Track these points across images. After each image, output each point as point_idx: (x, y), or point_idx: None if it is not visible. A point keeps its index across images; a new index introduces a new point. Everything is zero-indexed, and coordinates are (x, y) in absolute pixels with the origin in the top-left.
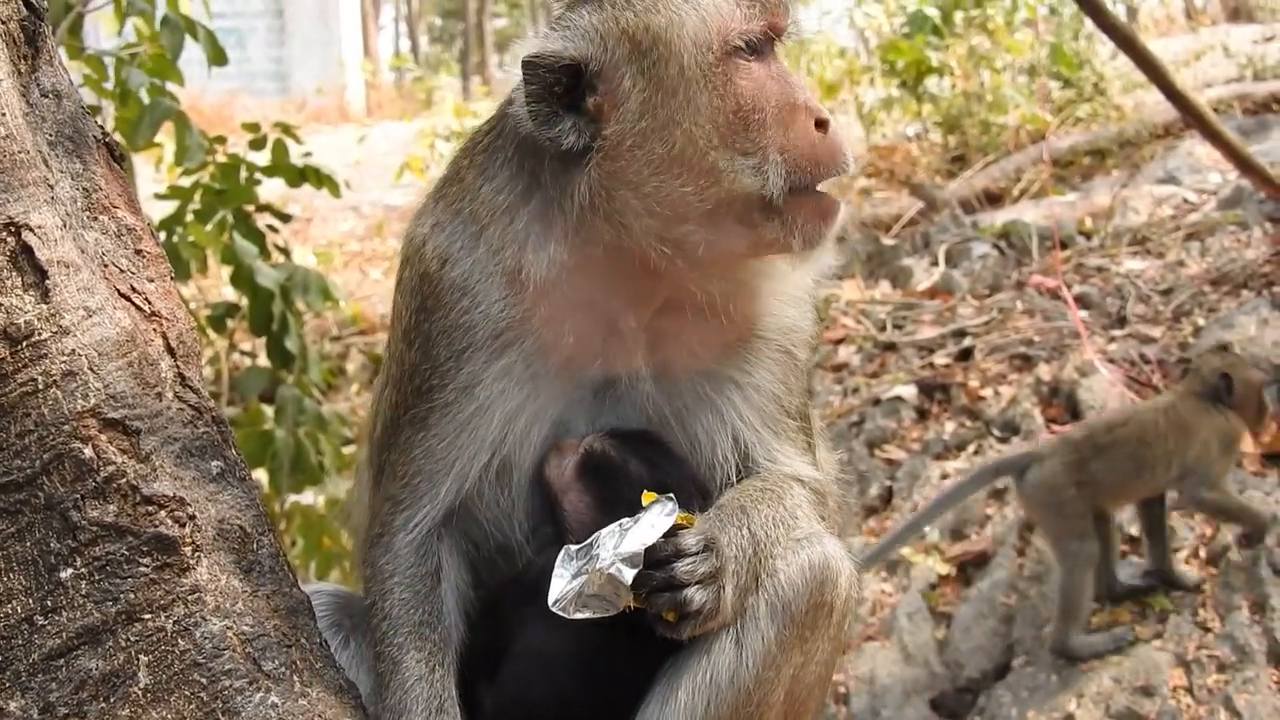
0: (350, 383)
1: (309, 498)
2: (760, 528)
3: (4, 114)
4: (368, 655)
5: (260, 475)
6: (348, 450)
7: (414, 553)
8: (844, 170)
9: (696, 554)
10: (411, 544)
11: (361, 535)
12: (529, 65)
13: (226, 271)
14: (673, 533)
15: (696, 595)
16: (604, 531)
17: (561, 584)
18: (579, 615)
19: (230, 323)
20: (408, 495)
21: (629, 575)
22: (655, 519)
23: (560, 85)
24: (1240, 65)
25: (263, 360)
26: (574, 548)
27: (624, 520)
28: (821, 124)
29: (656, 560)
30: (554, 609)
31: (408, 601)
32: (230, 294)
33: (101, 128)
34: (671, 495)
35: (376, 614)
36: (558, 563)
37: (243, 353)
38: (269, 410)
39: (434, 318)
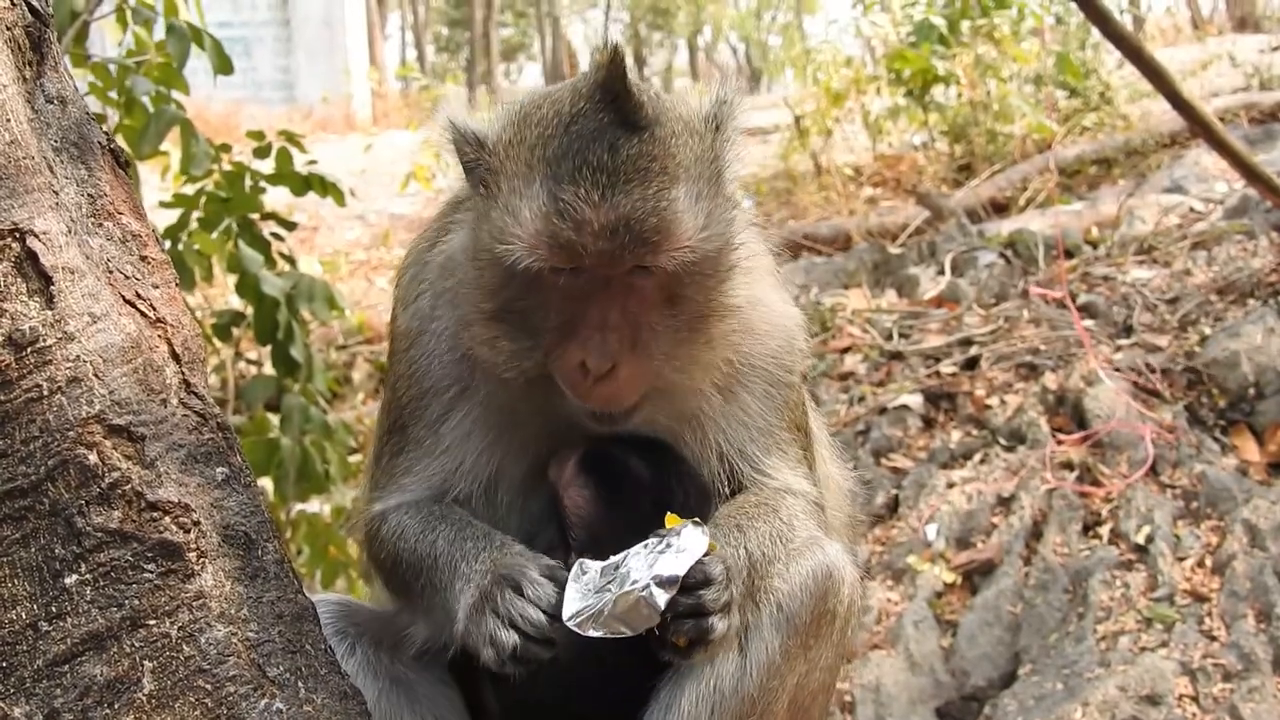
0: (356, 391)
1: (315, 506)
2: (757, 547)
3: (9, 120)
4: (374, 662)
5: (266, 484)
6: (353, 459)
7: (413, 503)
8: (592, 418)
9: (720, 582)
10: (410, 500)
11: (360, 531)
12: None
13: (232, 280)
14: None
15: (719, 624)
16: (630, 552)
17: (579, 601)
18: (594, 633)
19: (235, 331)
20: (397, 488)
21: (663, 599)
22: (689, 543)
23: (464, 157)
24: (1247, 75)
25: (268, 369)
26: (593, 564)
27: (649, 541)
28: (585, 368)
29: (685, 586)
30: (569, 625)
31: (418, 514)
32: (236, 302)
33: (106, 134)
34: (698, 520)
35: (395, 553)
36: (571, 576)
37: (248, 361)
38: (274, 419)
39: (395, 358)
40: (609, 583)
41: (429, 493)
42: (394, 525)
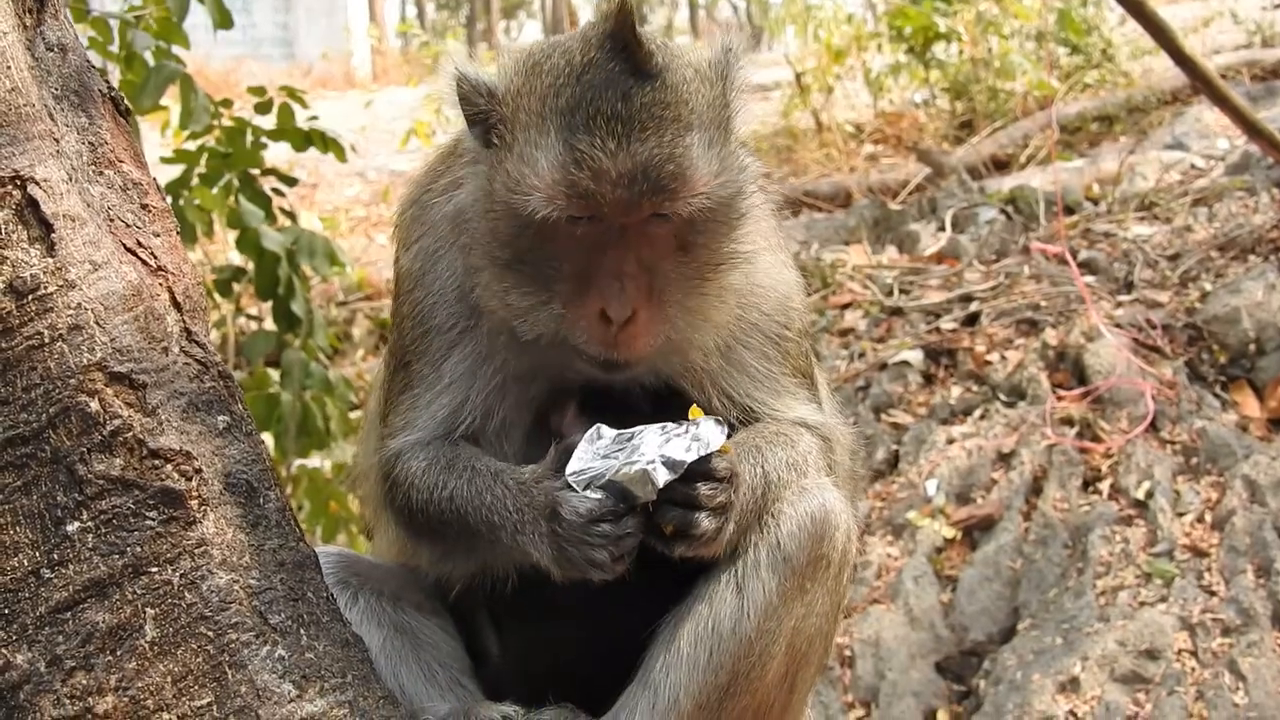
0: (356, 347)
1: (315, 461)
2: (774, 470)
3: (9, 67)
4: (377, 610)
5: (266, 439)
6: (354, 414)
7: (424, 442)
8: (608, 367)
9: (720, 481)
10: (420, 439)
11: (376, 472)
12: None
13: (233, 235)
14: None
15: (705, 521)
16: (648, 428)
17: (586, 461)
18: (588, 494)
19: (236, 287)
20: (407, 426)
21: (663, 479)
22: (705, 435)
23: (471, 109)
24: (1249, 32)
25: (269, 324)
26: (609, 431)
27: (668, 425)
28: (606, 317)
29: (686, 475)
30: (569, 479)
31: (428, 459)
32: (236, 258)
33: (108, 82)
34: (720, 419)
35: (411, 500)
36: (585, 438)
37: (249, 317)
38: (275, 374)
39: (400, 299)
40: (619, 450)
41: (437, 430)
42: (406, 470)
